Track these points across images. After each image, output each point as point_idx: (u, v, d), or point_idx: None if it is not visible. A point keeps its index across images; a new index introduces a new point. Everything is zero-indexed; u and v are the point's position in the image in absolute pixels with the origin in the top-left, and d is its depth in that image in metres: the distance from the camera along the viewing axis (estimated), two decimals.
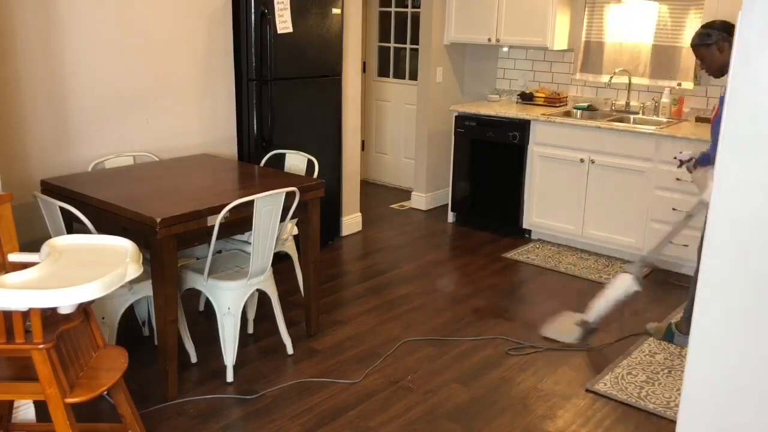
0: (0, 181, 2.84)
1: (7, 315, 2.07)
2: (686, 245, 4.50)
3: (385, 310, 4.03)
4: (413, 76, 6.36)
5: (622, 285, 3.50)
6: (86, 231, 2.96)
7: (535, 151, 5.10)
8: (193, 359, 3.37)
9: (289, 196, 3.19)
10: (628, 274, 3.44)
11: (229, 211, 3.00)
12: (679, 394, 2.23)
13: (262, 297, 3.80)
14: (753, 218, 1.80)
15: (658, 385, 3.26)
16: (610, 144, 4.72)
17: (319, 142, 4.76)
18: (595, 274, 4.62)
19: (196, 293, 3.99)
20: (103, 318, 3.07)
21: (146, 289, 3.15)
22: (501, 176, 5.31)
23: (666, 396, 3.17)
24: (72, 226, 3.17)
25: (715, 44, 3.29)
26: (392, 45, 6.67)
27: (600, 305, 3.59)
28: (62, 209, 2.98)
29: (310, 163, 3.99)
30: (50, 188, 3.28)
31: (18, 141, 3.47)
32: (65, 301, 2.00)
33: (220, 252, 3.56)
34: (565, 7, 5.25)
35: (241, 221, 3.10)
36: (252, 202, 3.01)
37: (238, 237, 3.57)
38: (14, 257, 2.40)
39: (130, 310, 3.52)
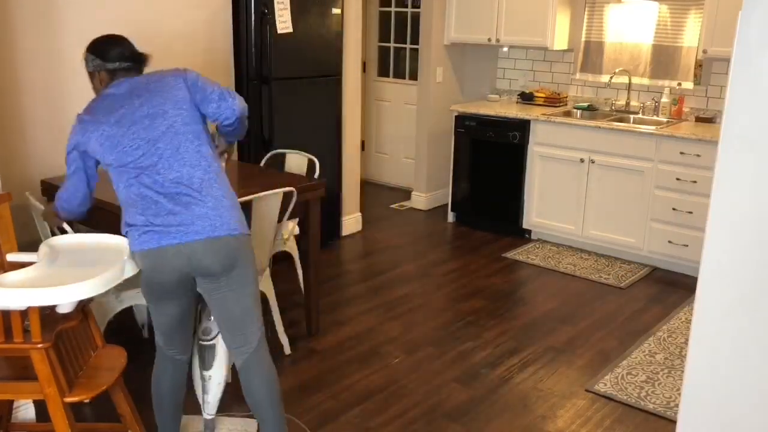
0: None
1: (6, 314, 2.06)
2: (686, 245, 4.49)
3: (385, 310, 4.03)
4: (413, 76, 6.35)
5: None
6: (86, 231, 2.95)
7: (535, 151, 5.10)
8: None
9: (289, 196, 3.19)
10: None
11: None
12: (679, 394, 2.23)
13: (263, 297, 3.79)
14: (753, 218, 1.80)
15: (658, 385, 3.26)
16: (610, 144, 4.72)
17: (319, 142, 4.76)
18: (595, 274, 4.62)
19: None
20: None
21: (134, 298, 3.10)
22: (501, 176, 5.31)
23: (666, 396, 3.16)
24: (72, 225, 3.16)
25: (93, 72, 2.35)
26: (392, 45, 6.66)
27: None
28: None
29: (311, 163, 3.99)
30: (50, 188, 3.28)
31: (18, 141, 3.46)
32: (63, 298, 2.00)
33: None
34: (565, 7, 5.25)
35: None
36: (250, 201, 3.00)
37: None
38: (12, 257, 2.40)
39: (129, 312, 3.51)
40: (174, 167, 2.24)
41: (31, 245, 2.50)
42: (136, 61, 2.37)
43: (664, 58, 5.06)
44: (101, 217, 3.05)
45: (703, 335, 1.93)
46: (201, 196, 2.25)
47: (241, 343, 2.40)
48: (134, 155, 2.22)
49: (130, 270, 2.23)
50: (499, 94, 5.93)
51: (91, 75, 2.37)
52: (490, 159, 5.34)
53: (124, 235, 2.31)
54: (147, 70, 2.42)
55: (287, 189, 3.16)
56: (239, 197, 3.02)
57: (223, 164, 2.60)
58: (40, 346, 2.07)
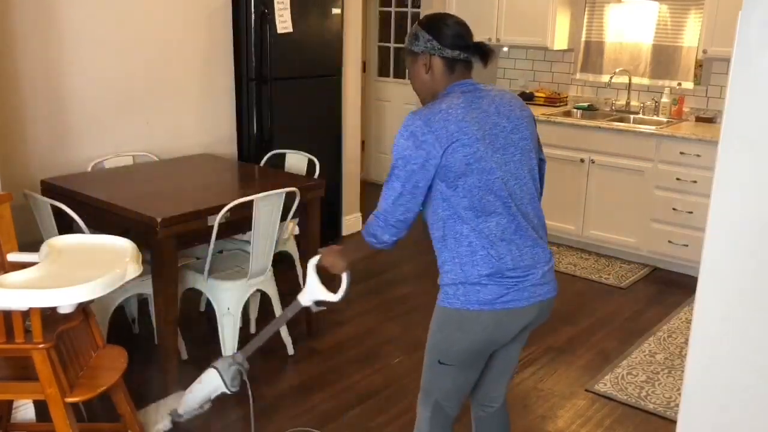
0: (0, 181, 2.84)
1: (7, 315, 2.07)
2: (686, 245, 4.49)
3: (385, 311, 4.03)
4: None
5: (209, 383, 2.56)
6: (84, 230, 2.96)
7: None
8: (184, 356, 3.37)
9: (290, 196, 3.19)
10: (215, 370, 2.52)
11: (229, 211, 2.99)
12: (679, 394, 2.23)
13: (265, 297, 3.79)
14: (753, 218, 1.80)
15: (658, 385, 3.26)
16: (610, 144, 4.72)
17: (319, 142, 4.76)
18: (595, 274, 4.62)
19: (196, 293, 3.98)
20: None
21: (136, 287, 3.13)
22: None
23: (666, 396, 3.17)
24: (72, 227, 3.16)
25: (422, 55, 1.91)
26: (392, 45, 6.66)
27: (189, 400, 2.62)
28: (58, 209, 2.97)
29: (310, 163, 3.99)
30: (50, 188, 3.28)
31: (18, 141, 3.46)
32: (65, 300, 2.00)
33: (221, 252, 3.55)
34: (565, 7, 5.25)
35: (241, 221, 3.10)
36: (252, 202, 3.00)
37: (240, 237, 3.57)
38: (13, 257, 2.40)
39: (120, 307, 3.50)
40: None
41: (32, 245, 2.50)
42: (479, 53, 1.90)
43: (664, 58, 5.06)
44: (104, 217, 3.05)
45: (703, 335, 1.93)
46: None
47: (497, 393, 2.17)
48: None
49: (132, 272, 2.23)
50: None
51: (414, 57, 1.91)
52: None
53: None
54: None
55: (290, 189, 3.15)
56: (240, 197, 3.03)
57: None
58: (41, 346, 2.07)
